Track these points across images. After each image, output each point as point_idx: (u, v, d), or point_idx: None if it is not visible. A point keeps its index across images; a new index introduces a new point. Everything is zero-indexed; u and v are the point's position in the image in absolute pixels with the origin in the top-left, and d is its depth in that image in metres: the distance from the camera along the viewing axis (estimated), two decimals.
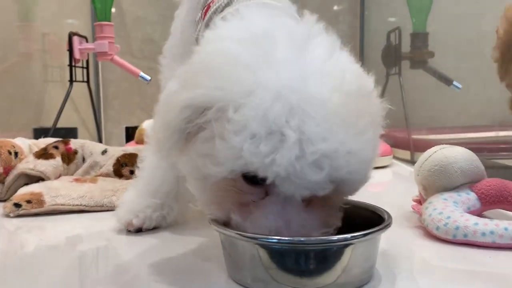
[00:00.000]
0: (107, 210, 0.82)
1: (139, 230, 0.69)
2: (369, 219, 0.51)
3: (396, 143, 1.36)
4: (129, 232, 0.69)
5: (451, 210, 0.63)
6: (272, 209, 0.46)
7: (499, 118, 1.34)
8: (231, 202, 0.48)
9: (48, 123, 1.39)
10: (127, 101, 1.76)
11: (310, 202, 0.48)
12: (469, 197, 0.66)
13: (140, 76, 1.41)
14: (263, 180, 0.44)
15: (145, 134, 1.22)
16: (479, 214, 0.67)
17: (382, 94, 1.52)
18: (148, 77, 1.40)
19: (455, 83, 1.42)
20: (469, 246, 0.59)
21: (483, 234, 0.58)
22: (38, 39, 1.53)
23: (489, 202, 0.66)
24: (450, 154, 0.68)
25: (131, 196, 0.72)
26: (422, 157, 0.72)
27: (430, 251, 0.60)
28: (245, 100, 0.42)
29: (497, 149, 1.34)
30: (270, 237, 0.45)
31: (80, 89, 1.51)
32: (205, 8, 0.66)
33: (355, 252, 0.46)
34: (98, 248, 0.65)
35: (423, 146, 1.33)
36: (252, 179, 0.46)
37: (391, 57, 1.44)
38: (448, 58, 1.56)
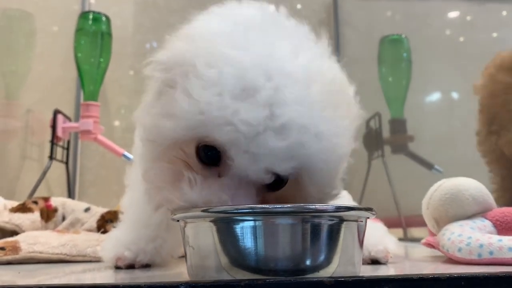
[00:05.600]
0: (90, 261, 0.74)
1: (131, 266, 0.62)
2: None
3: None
4: (117, 269, 0.61)
5: (470, 232, 0.60)
6: (224, 191, 0.43)
7: None
8: (179, 176, 0.44)
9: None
10: (104, 190, 1.70)
11: (264, 199, 0.45)
12: (485, 224, 0.63)
13: (123, 155, 1.38)
14: (218, 153, 0.42)
15: None
16: None
17: (366, 179, 1.54)
18: (132, 156, 1.38)
19: (436, 167, 1.46)
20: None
21: (510, 249, 0.55)
22: (22, 116, 1.52)
23: (505, 229, 0.63)
24: (460, 182, 0.67)
25: (119, 230, 0.66)
26: (430, 190, 0.70)
27: None
28: (223, 59, 0.41)
29: None
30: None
31: (56, 170, 1.46)
32: None
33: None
34: None
35: (417, 222, 1.31)
36: (207, 156, 0.44)
37: (373, 142, 1.48)
38: (427, 143, 1.62)
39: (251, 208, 0.41)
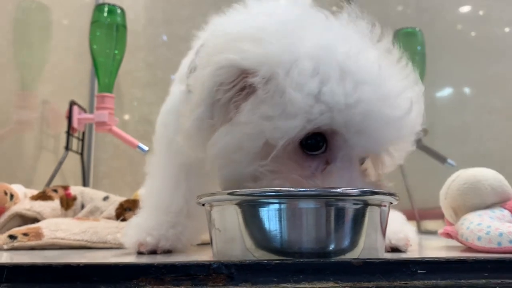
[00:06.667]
0: (110, 248, 0.75)
1: (153, 252, 0.63)
2: None
3: None
4: (139, 254, 0.62)
5: (490, 221, 0.60)
6: (341, 175, 0.45)
7: None
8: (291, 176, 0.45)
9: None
10: (118, 181, 1.72)
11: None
12: (504, 214, 0.64)
13: (138, 147, 1.39)
14: (323, 142, 0.44)
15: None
16: None
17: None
18: (146, 148, 1.39)
19: (449, 160, 1.45)
20: None
21: None
22: (38, 107, 1.53)
23: None
24: (478, 172, 0.67)
25: (141, 217, 0.67)
26: (448, 180, 0.70)
27: None
28: (311, 52, 0.44)
29: None
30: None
31: (71, 161, 1.47)
32: None
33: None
34: None
35: (431, 214, 1.31)
36: (312, 145, 0.45)
37: None
38: (440, 137, 1.61)
39: (276, 191, 0.41)
